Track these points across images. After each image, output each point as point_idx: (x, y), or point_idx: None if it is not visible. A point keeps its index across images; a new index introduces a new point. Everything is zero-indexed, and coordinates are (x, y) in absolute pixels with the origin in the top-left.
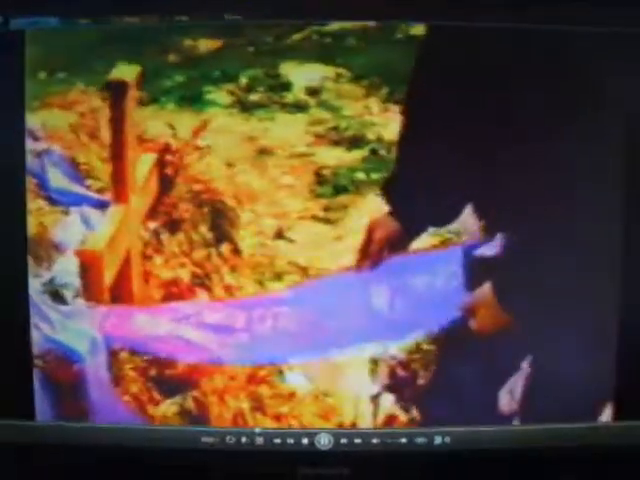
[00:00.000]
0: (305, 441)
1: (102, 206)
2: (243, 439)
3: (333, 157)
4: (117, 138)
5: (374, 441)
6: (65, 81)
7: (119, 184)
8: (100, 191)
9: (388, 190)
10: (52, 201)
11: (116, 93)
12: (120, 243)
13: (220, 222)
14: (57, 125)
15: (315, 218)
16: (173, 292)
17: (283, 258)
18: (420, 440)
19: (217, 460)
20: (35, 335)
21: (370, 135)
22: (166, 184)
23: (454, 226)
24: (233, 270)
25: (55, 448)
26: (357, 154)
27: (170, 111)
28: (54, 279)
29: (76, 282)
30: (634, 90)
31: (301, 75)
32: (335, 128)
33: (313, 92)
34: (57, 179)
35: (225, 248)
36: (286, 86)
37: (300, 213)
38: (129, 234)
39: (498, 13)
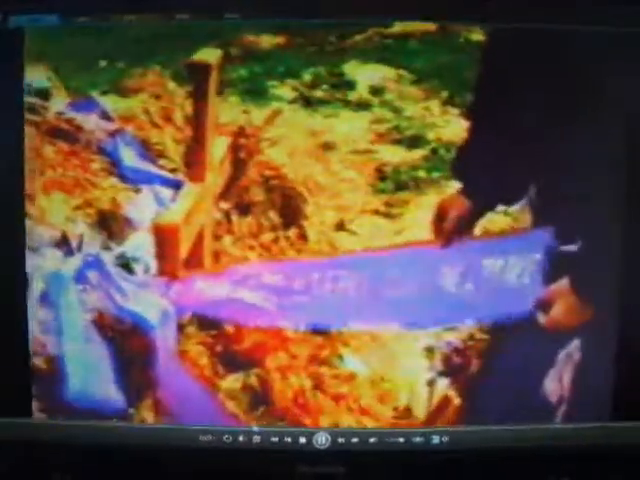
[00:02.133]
0: (303, 440)
1: (174, 185)
2: (240, 438)
3: (394, 155)
4: (194, 120)
5: (371, 440)
6: (137, 65)
7: (194, 164)
8: (173, 171)
9: (458, 168)
10: (125, 179)
11: (196, 76)
12: (195, 220)
13: (288, 208)
14: (130, 106)
15: (376, 212)
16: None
17: (345, 248)
18: (417, 440)
19: (214, 459)
20: (108, 305)
21: (431, 135)
22: (239, 168)
23: (520, 205)
24: (299, 253)
25: (51, 447)
26: (418, 153)
27: (234, 103)
28: (125, 253)
29: (147, 256)
30: None
31: (364, 75)
32: (396, 127)
33: (376, 92)
34: (130, 158)
35: (292, 232)
36: (350, 84)
37: (362, 206)
38: (203, 212)
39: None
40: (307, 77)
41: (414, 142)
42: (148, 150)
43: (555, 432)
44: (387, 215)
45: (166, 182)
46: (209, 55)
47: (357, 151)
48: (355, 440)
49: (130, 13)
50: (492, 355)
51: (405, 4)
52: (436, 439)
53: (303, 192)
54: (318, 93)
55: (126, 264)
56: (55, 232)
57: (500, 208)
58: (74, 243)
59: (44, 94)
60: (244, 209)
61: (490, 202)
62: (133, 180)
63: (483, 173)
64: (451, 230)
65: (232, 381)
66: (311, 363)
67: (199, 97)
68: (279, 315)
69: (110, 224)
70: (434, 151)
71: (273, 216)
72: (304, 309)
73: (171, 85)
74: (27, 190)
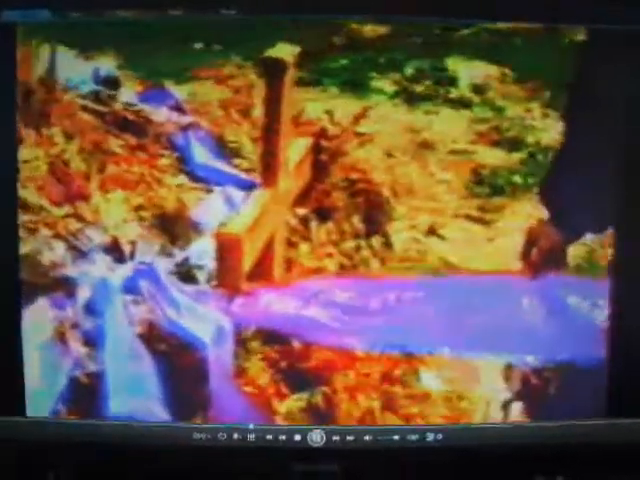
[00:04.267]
0: (297, 438)
1: (248, 187)
2: (235, 435)
3: (493, 157)
4: (271, 119)
5: (366, 438)
6: (220, 54)
7: (268, 167)
8: (248, 171)
9: (547, 195)
10: (194, 178)
11: (273, 72)
12: (263, 228)
13: (373, 214)
14: (207, 99)
15: (470, 217)
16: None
17: (434, 254)
18: (412, 437)
19: (209, 457)
20: (158, 318)
21: (530, 139)
22: (320, 170)
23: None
24: (382, 263)
25: (45, 445)
26: (516, 156)
27: (331, 95)
28: (188, 259)
29: (212, 265)
30: None
31: (467, 71)
32: (497, 128)
33: (478, 90)
34: (202, 155)
35: (376, 240)
36: (452, 81)
37: (455, 211)
38: (274, 219)
39: None
40: (409, 71)
41: (513, 145)
42: (222, 147)
43: (549, 429)
44: (480, 221)
45: (239, 183)
46: (286, 51)
47: (455, 151)
48: (350, 438)
49: (123, 8)
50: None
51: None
52: (430, 436)
53: (390, 198)
54: (419, 88)
55: (187, 272)
56: (106, 236)
57: (589, 237)
58: (126, 249)
59: (112, 83)
60: (323, 215)
61: (578, 230)
62: (203, 179)
63: (572, 199)
64: (540, 260)
65: (295, 400)
66: (383, 382)
67: (279, 94)
68: (350, 336)
69: (173, 227)
70: (532, 155)
71: (356, 222)
72: (377, 331)
73: (252, 79)
74: (80, 189)
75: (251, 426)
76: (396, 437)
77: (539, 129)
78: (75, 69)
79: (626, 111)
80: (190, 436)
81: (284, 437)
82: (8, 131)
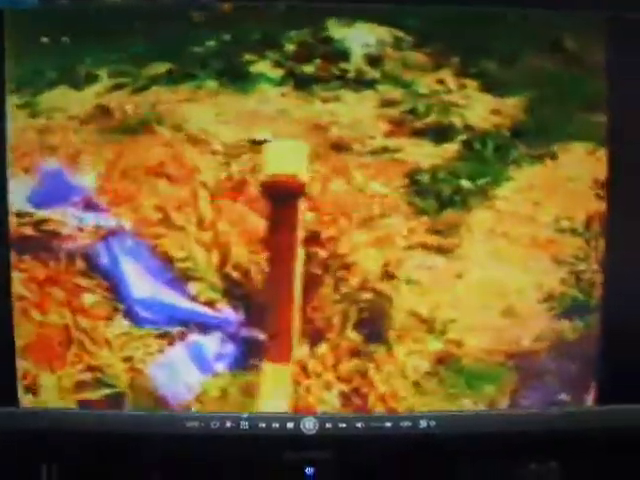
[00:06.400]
0: (290, 426)
1: (217, 327)
2: (228, 424)
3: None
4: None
5: (359, 425)
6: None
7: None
8: (210, 304)
9: None
10: (137, 320)
11: None
12: None
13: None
14: (133, 193)
15: (425, 247)
16: None
17: (399, 309)
18: (405, 424)
19: (202, 445)
20: None
21: (456, 121)
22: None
23: None
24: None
25: (38, 436)
26: (448, 148)
27: (212, 93)
28: None
29: None
30: None
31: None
32: (412, 111)
33: (374, 61)
34: (142, 283)
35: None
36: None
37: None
38: None
39: None
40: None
41: (439, 132)
42: (168, 267)
43: (538, 416)
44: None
45: (207, 323)
46: None
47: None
48: (342, 425)
49: None
50: None
51: None
52: (423, 423)
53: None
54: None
55: None
56: None
57: None
58: None
59: None
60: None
61: None
62: (153, 321)
63: None
64: None
65: None
66: None
67: None
68: None
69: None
70: (467, 145)
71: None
72: None
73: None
74: None
75: (244, 414)
76: (389, 424)
77: (462, 106)
78: None
79: None
80: (183, 424)
81: (277, 425)
82: None
